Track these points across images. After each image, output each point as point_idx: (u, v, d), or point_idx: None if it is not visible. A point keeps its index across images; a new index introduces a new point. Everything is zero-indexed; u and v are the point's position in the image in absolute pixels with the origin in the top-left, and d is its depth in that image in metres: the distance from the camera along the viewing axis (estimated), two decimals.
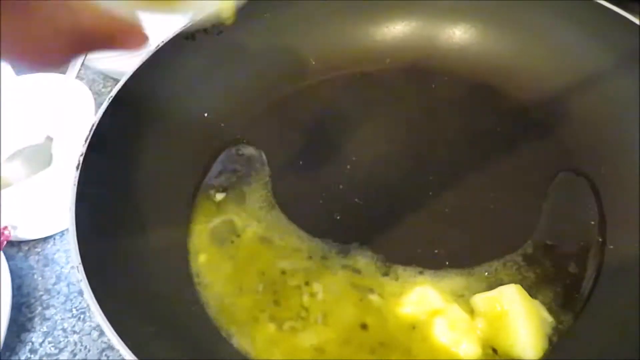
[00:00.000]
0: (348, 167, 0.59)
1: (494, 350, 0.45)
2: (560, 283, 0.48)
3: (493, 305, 0.45)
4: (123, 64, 0.76)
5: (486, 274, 0.49)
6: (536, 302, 0.46)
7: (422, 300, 0.47)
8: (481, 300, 0.46)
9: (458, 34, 0.66)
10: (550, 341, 0.44)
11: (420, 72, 0.66)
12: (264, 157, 0.61)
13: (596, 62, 0.57)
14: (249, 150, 0.62)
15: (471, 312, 0.47)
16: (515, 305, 0.44)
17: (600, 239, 0.50)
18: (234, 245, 0.54)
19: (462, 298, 0.48)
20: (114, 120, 0.54)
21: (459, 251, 0.51)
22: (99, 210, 0.49)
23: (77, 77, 0.81)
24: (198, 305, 0.50)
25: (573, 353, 0.43)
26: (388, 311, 0.48)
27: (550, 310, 0.46)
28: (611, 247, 0.50)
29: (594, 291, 0.47)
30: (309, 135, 0.62)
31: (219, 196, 0.58)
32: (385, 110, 0.64)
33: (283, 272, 0.51)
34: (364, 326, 0.47)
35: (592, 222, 0.52)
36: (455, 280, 0.49)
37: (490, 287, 0.47)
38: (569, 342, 0.44)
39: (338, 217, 0.55)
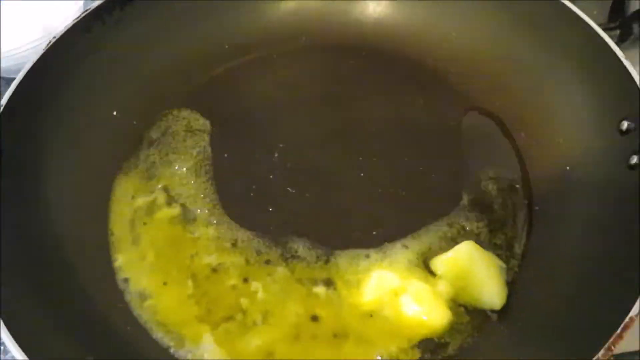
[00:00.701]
0: (276, 155, 0.56)
1: (464, 307, 0.46)
2: (496, 241, 0.50)
3: (453, 264, 0.46)
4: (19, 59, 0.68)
5: (428, 239, 0.50)
6: (490, 253, 0.48)
7: (380, 284, 0.47)
8: (440, 262, 0.47)
9: (372, 7, 0.64)
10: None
11: (337, 49, 0.64)
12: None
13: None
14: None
15: (426, 279, 0.47)
16: (474, 260, 0.46)
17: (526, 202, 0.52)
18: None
19: (415, 268, 0.48)
20: (8, 132, 0.48)
21: (396, 226, 0.51)
22: (8, 236, 0.44)
23: None
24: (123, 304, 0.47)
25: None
26: (340, 301, 0.47)
27: None
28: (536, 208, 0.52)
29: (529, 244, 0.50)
30: (230, 125, 0.59)
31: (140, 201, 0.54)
32: (306, 91, 0.62)
33: (214, 270, 0.49)
34: (314, 318, 0.46)
35: (517, 186, 0.53)
36: (401, 255, 0.49)
37: (435, 251, 0.49)
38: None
39: (271, 209, 0.53)
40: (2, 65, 0.66)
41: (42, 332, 0.41)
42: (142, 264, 0.50)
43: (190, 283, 0.49)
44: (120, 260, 0.50)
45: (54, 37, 0.53)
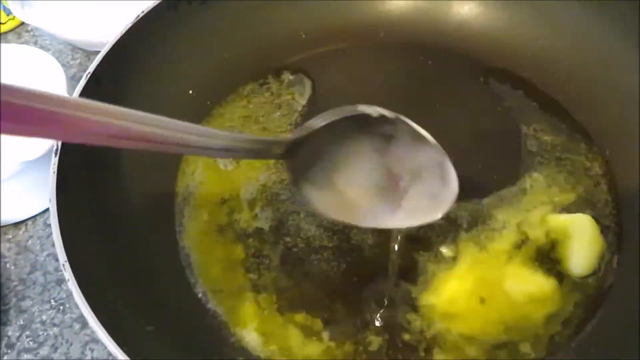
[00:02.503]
0: None
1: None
2: None
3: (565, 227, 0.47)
4: (92, 34, 0.71)
5: None
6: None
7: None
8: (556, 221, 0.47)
9: (456, 9, 0.63)
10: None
11: (415, 48, 0.63)
12: None
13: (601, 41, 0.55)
14: None
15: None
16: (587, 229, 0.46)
17: None
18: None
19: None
20: (94, 98, 0.49)
21: None
22: (81, 198, 0.46)
23: (43, 47, 0.76)
24: (188, 287, 0.48)
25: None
26: None
27: None
28: None
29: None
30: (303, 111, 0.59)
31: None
32: (379, 88, 0.61)
33: None
34: None
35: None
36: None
37: None
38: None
39: None
40: (76, 37, 0.70)
41: (109, 295, 0.42)
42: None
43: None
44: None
45: (142, 12, 0.54)
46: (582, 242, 0.46)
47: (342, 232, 0.51)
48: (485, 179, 0.53)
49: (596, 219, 0.48)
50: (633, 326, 0.41)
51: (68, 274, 0.37)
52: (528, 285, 0.45)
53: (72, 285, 0.37)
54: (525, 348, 0.44)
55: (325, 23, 0.64)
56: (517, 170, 0.53)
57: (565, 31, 0.58)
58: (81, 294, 0.36)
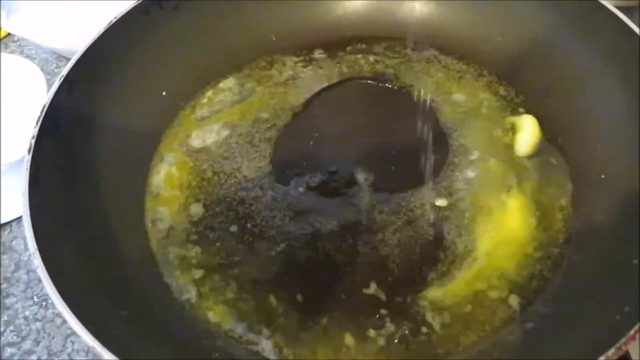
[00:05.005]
0: (311, 143, 0.58)
1: None
2: None
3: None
4: (77, 42, 0.73)
5: None
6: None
7: None
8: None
9: (418, 8, 0.65)
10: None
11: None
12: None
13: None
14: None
15: None
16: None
17: None
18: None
19: None
20: (67, 100, 0.52)
21: None
22: (55, 194, 0.48)
23: (28, 57, 0.79)
24: (162, 285, 0.50)
25: None
26: None
27: None
28: None
29: None
30: (274, 112, 0.61)
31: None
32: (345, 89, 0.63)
33: None
34: None
35: None
36: None
37: None
38: None
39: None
40: (61, 45, 0.72)
41: (82, 284, 0.44)
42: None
43: None
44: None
45: (115, 17, 0.57)
46: (526, 130, 0.56)
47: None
48: None
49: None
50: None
51: (37, 261, 0.40)
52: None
53: (41, 271, 0.39)
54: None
55: (295, 25, 0.66)
56: None
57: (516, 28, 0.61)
58: (48, 277, 0.38)
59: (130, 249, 0.50)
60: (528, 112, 0.58)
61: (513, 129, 0.57)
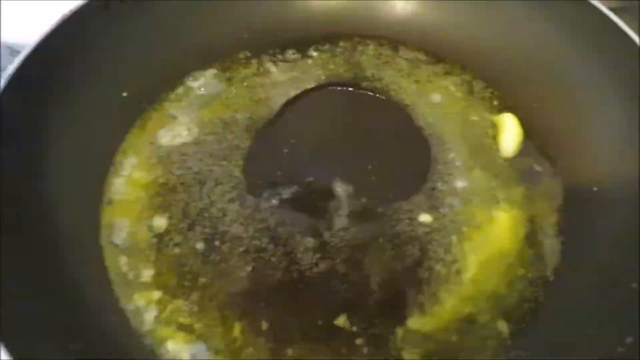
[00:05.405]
0: (285, 151, 0.54)
1: None
2: None
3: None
4: (26, 34, 0.67)
5: None
6: None
7: None
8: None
9: (399, 6, 0.61)
10: None
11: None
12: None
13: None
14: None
15: None
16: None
17: None
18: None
19: None
20: (13, 102, 0.46)
21: None
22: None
23: None
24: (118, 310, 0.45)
25: None
26: None
27: None
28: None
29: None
30: (251, 110, 0.57)
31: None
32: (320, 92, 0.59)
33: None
34: None
35: None
36: None
37: None
38: None
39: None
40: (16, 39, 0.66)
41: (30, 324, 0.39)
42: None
43: None
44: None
45: (69, 10, 0.52)
46: (509, 130, 0.54)
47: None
48: None
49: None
50: None
51: None
52: None
53: None
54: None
55: (267, 21, 0.62)
56: None
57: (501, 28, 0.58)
58: None
59: (82, 267, 0.45)
60: (510, 111, 0.55)
61: (496, 130, 0.54)
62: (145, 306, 0.45)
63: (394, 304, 0.44)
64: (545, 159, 0.52)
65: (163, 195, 0.51)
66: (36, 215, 0.46)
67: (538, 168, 0.52)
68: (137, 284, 0.46)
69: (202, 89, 0.58)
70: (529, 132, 0.53)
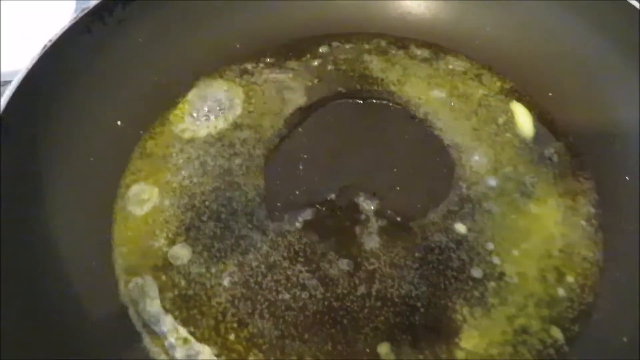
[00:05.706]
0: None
1: None
2: None
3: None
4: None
5: None
6: None
7: None
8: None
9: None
10: None
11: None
12: None
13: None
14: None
15: None
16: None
17: None
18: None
19: None
20: (4, 148, 0.42)
21: None
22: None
23: None
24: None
25: None
26: None
27: None
28: None
29: None
30: (253, 133, 0.54)
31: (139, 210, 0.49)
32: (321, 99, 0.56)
33: None
34: None
35: None
36: None
37: None
38: None
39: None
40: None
41: None
42: None
43: None
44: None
45: (50, 40, 0.47)
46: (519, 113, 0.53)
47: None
48: None
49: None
50: None
51: None
52: None
53: None
54: None
55: (260, 27, 0.59)
56: None
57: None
58: None
59: (98, 308, 0.42)
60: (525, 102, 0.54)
61: (513, 122, 0.53)
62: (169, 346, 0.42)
63: (441, 322, 0.42)
64: (567, 149, 0.51)
65: (177, 228, 0.48)
66: (44, 266, 0.42)
67: (565, 158, 0.51)
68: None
69: (199, 112, 0.55)
70: (549, 122, 0.52)
